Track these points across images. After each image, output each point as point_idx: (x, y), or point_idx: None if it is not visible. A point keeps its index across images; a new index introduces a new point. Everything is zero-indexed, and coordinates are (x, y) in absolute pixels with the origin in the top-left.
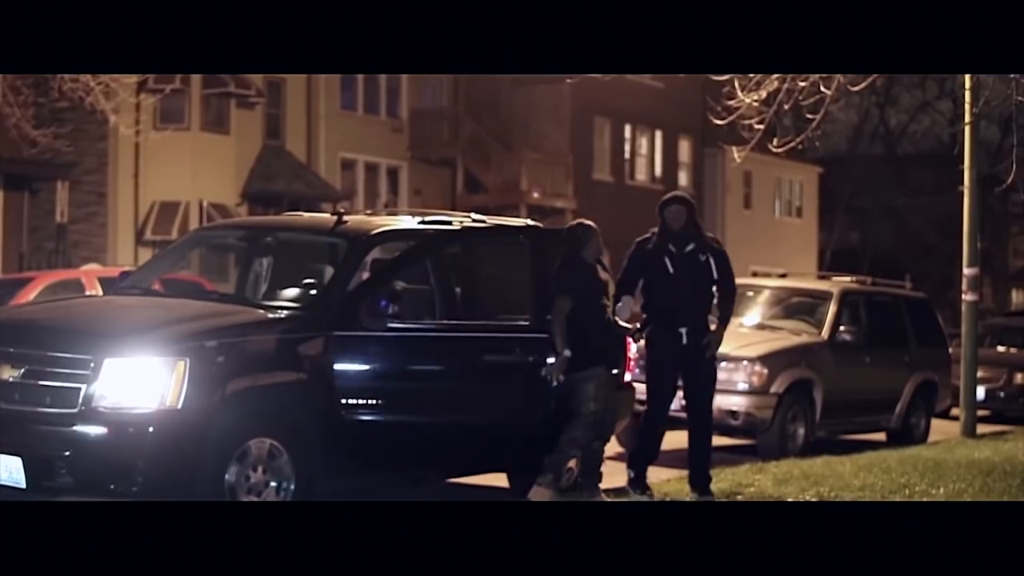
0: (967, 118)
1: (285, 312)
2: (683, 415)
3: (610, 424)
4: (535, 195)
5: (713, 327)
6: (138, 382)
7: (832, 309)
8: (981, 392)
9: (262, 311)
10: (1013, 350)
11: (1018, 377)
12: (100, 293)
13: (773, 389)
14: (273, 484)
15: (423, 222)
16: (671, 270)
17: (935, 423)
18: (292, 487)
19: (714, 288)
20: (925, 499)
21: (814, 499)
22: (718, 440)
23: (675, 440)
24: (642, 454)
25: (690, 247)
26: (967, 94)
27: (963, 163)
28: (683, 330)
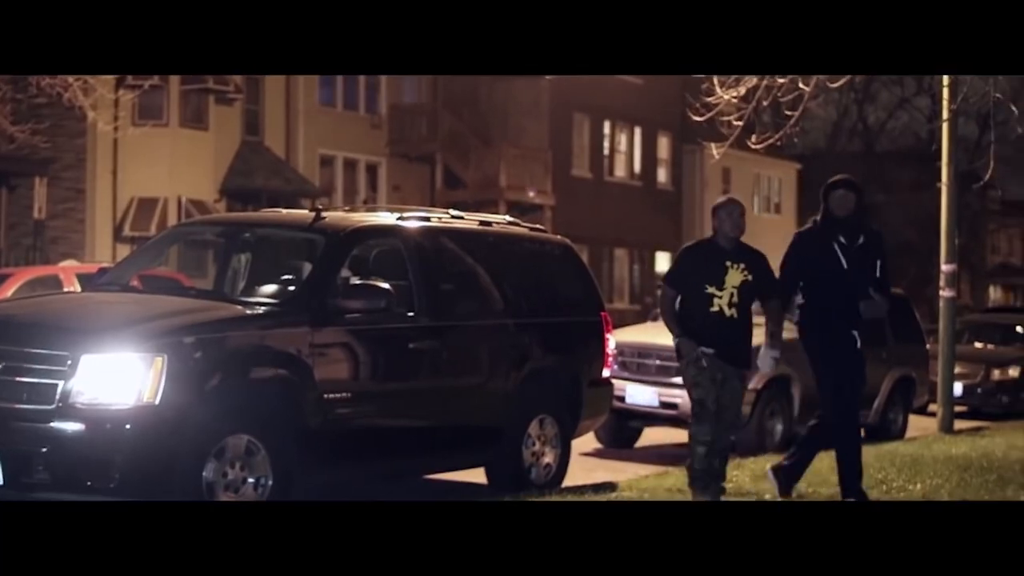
0: (945, 115)
1: (263, 308)
2: (660, 411)
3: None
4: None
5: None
6: (115, 378)
7: None
8: (958, 388)
9: (240, 307)
10: (990, 346)
11: (995, 373)
12: (78, 289)
13: (751, 385)
14: (251, 480)
15: (402, 218)
16: (844, 264)
17: (912, 419)
18: (270, 483)
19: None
20: (902, 495)
21: (792, 495)
22: None
23: (654, 436)
24: (801, 465)
25: (861, 238)
26: (945, 91)
27: (941, 159)
28: (856, 333)
